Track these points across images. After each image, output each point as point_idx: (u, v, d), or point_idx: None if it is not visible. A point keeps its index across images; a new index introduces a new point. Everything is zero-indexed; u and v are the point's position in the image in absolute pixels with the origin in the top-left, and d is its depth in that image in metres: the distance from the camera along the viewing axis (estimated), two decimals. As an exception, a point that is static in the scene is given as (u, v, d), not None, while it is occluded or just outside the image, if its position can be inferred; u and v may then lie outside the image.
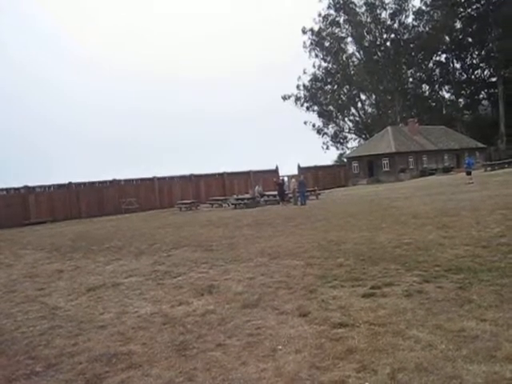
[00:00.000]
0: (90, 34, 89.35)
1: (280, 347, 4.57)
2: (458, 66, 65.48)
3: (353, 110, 68.12)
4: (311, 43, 64.64)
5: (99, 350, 5.00)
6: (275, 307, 5.88)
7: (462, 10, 61.01)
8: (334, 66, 65.55)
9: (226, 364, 4.30)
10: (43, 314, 6.76)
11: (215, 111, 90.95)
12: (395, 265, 7.54)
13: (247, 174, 40.60)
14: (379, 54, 64.22)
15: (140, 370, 4.37)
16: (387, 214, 15.11)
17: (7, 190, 30.22)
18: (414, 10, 62.27)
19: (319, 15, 63.60)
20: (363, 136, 65.99)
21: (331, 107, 66.52)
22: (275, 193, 28.67)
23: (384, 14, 62.65)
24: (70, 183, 32.44)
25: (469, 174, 27.82)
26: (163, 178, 36.53)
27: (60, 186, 32.15)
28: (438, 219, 12.50)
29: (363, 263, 7.92)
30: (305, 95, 65.92)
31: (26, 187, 30.56)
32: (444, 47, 63.56)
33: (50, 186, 31.87)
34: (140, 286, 7.96)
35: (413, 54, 63.55)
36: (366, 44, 64.06)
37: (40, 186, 31.39)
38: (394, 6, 61.81)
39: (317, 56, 65.38)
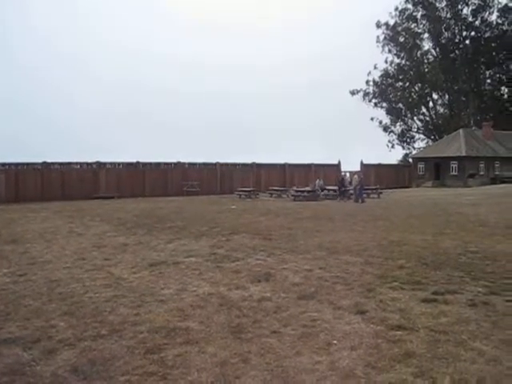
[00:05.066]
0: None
1: (335, 342, 4.56)
2: (543, 68, 60.96)
3: (423, 110, 65.47)
4: (385, 38, 62.59)
5: (159, 322, 5.22)
6: (331, 302, 5.85)
7: (553, 8, 56.57)
8: (407, 63, 63.14)
9: (281, 352, 4.35)
10: (109, 282, 7.16)
11: (279, 99, 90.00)
12: (459, 272, 7.25)
13: (308, 166, 40.31)
14: (457, 52, 61.12)
15: (196, 347, 4.52)
16: (452, 220, 14.52)
17: (81, 164, 32.13)
18: (499, 6, 58.55)
19: (396, 9, 61.42)
20: (432, 137, 63.36)
21: (401, 105, 64.29)
22: (336, 187, 28.33)
23: (465, 10, 59.40)
24: (137, 162, 33.82)
25: (546, 185, 26.01)
26: (225, 165, 37.10)
27: (128, 164, 33.61)
28: (508, 230, 11.83)
29: (425, 267, 7.69)
30: (374, 91, 64.12)
31: (98, 163, 32.24)
32: (530, 48, 59.34)
33: (119, 164, 33.42)
34: (199, 266, 8.20)
35: (494, 53, 59.88)
36: (444, 41, 61.15)
37: (110, 163, 33.01)
38: (477, 1, 58.39)
39: (390, 51, 63.26)
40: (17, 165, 29.85)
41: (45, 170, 30.38)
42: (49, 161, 30.80)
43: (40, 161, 30.56)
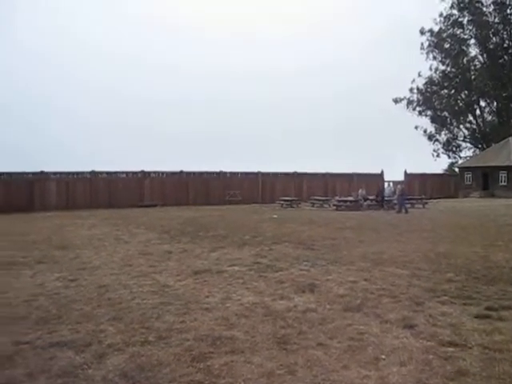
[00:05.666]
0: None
1: (383, 356, 4.43)
2: None
3: (470, 117, 63.31)
4: (429, 45, 61.16)
5: (205, 330, 5.25)
6: (378, 315, 5.72)
7: None
8: (453, 70, 61.36)
9: (327, 365, 4.28)
10: (155, 289, 7.29)
11: (322, 108, 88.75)
12: (514, 288, 6.92)
13: (350, 176, 39.82)
14: (505, 57, 58.86)
15: (242, 356, 4.51)
16: (504, 232, 13.92)
17: (127, 173, 33.31)
18: (553, 9, 55.99)
19: (440, 15, 59.92)
20: (479, 146, 61.12)
21: (446, 113, 62.46)
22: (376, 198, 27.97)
23: (515, 14, 57.18)
24: (181, 171, 34.58)
25: None
26: (267, 174, 37.25)
27: (172, 173, 34.46)
28: None
29: (476, 281, 7.39)
30: (418, 99, 62.65)
31: (143, 172, 33.25)
32: None
33: (163, 173, 34.33)
34: (242, 275, 8.21)
35: (546, 58, 57.32)
36: (491, 46, 59.04)
37: (155, 172, 34.00)
38: (527, 4, 56.11)
39: (435, 58, 61.71)
40: (67, 174, 31.26)
41: (93, 178, 31.64)
42: (97, 170, 32.08)
43: (88, 170, 31.88)
